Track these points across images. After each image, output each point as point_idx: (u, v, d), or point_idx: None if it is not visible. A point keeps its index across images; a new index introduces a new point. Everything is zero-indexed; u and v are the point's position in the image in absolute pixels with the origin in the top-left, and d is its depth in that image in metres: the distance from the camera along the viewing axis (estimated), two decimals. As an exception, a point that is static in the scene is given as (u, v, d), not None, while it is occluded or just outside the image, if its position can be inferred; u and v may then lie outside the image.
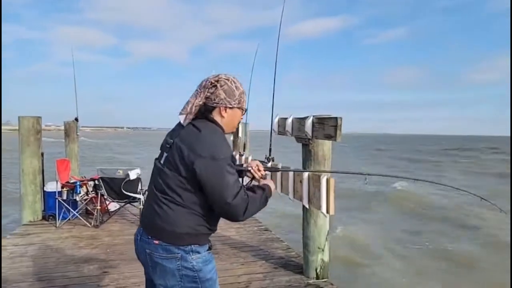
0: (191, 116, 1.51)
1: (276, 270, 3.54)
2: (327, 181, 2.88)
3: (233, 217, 1.44)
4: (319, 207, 2.92)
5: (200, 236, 1.48)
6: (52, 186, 5.01)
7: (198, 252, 1.47)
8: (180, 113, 1.53)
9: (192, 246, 1.45)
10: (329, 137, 2.91)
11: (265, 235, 4.75)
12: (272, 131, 4.02)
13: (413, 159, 31.38)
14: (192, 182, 1.41)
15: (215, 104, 1.50)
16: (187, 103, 1.52)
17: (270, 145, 4.21)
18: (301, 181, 3.20)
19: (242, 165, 1.78)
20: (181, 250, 1.43)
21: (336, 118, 2.83)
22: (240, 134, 6.01)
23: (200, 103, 1.50)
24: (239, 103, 1.54)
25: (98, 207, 4.86)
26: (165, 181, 1.45)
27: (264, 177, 1.72)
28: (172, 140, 1.49)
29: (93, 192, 5.00)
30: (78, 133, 7.85)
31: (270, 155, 4.02)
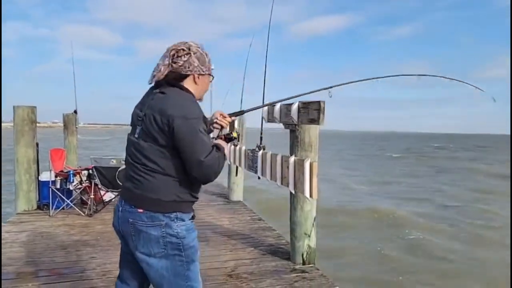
0: (161, 76, 1.49)
1: (264, 256, 3.54)
2: (311, 165, 2.88)
3: (206, 176, 1.46)
4: (303, 191, 2.92)
5: (184, 204, 1.50)
6: (46, 176, 5.06)
7: (183, 220, 1.49)
8: (153, 77, 1.52)
9: (177, 213, 1.47)
10: (312, 121, 2.90)
11: (258, 224, 4.76)
12: (262, 119, 4.03)
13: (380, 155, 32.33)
14: (171, 149, 1.43)
15: (189, 72, 1.51)
16: (156, 69, 1.51)
17: (261, 133, 4.21)
18: (288, 167, 3.20)
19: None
20: (166, 217, 1.45)
21: (319, 102, 2.81)
22: (236, 126, 6.02)
23: (169, 68, 1.49)
24: (208, 69, 1.57)
25: (92, 196, 4.89)
26: (143, 153, 1.46)
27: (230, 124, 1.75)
28: (143, 113, 1.50)
29: (86, 181, 5.03)
30: (77, 126, 7.91)
31: (261, 143, 4.04)
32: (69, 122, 7.70)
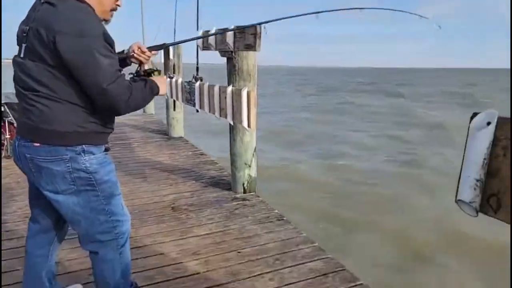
0: None
1: (205, 188, 3.57)
2: (248, 94, 2.78)
3: (112, 107, 1.27)
4: (241, 122, 2.86)
5: (91, 135, 1.32)
6: None
7: (92, 153, 1.33)
8: None
9: (84, 146, 1.30)
10: (249, 47, 2.74)
11: (200, 159, 4.72)
12: (198, 48, 3.72)
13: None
14: (63, 69, 1.21)
15: None
16: None
17: (197, 63, 3.92)
18: (226, 98, 3.08)
19: (123, 51, 1.56)
20: (69, 151, 1.28)
21: (255, 26, 2.62)
22: (171, 56, 5.58)
23: None
24: None
25: (8, 136, 4.35)
26: (31, 75, 1.23)
27: (149, 59, 1.55)
28: (27, 27, 1.24)
29: (-2, 120, 4.40)
30: None
31: (197, 74, 3.77)
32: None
